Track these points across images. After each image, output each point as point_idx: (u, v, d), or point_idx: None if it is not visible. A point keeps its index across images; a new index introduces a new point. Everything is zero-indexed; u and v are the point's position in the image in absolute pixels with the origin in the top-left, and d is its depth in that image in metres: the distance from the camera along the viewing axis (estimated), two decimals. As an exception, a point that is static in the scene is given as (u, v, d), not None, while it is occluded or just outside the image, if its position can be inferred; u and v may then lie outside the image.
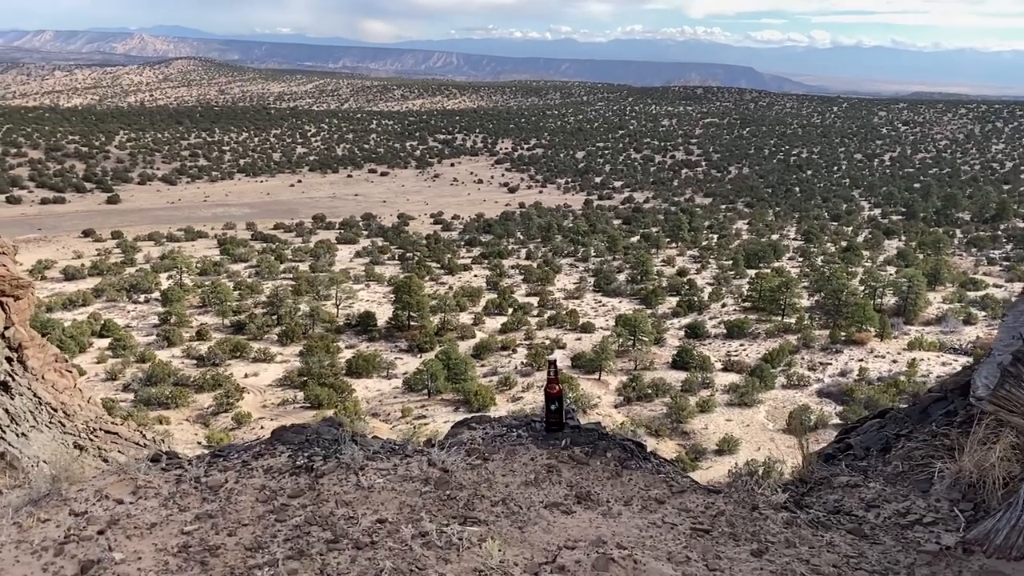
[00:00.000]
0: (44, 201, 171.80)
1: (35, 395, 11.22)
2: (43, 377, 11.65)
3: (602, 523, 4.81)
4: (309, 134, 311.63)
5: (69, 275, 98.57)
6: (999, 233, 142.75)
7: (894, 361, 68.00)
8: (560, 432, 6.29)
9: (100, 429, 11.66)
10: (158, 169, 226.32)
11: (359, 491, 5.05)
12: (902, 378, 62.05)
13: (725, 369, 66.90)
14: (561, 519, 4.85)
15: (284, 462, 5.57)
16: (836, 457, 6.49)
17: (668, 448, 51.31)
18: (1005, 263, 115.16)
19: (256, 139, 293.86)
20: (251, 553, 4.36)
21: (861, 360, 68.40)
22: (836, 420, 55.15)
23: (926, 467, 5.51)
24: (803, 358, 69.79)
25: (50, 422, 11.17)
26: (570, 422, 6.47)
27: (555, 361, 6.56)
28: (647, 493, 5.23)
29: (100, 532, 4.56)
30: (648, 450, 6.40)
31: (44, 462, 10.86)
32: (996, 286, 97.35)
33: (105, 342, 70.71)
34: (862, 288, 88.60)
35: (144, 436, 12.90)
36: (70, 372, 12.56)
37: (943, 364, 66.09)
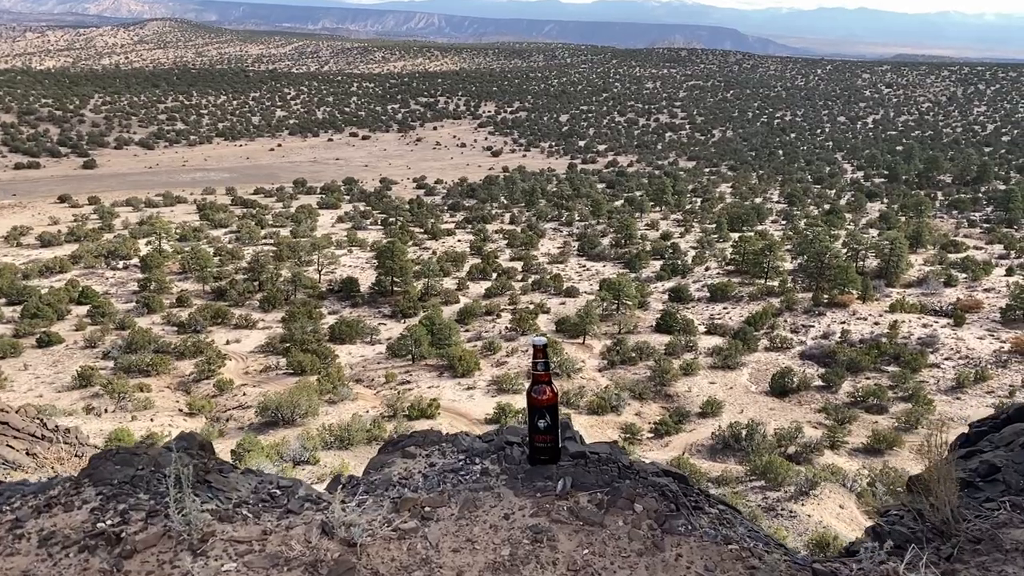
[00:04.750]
0: (18, 166, 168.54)
1: None
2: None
3: None
4: (289, 97, 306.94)
5: (45, 241, 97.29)
6: (980, 196, 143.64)
7: (876, 323, 68.55)
8: (554, 464, 4.05)
9: (-18, 419, 9.96)
10: (135, 133, 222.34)
11: None
12: (884, 340, 62.64)
13: (708, 332, 67.27)
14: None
15: (80, 522, 3.47)
16: (975, 485, 4.39)
17: (652, 411, 51.57)
18: (985, 225, 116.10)
19: (235, 102, 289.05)
20: None
21: (843, 322, 68.90)
22: (819, 383, 55.70)
23: None
24: (786, 321, 70.23)
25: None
26: (570, 447, 4.16)
27: (545, 346, 4.28)
28: None
29: None
30: (696, 489, 4.10)
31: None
32: (977, 248, 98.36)
33: (83, 309, 69.88)
34: (844, 251, 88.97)
35: (45, 425, 11.61)
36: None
37: (924, 326, 66.85)
